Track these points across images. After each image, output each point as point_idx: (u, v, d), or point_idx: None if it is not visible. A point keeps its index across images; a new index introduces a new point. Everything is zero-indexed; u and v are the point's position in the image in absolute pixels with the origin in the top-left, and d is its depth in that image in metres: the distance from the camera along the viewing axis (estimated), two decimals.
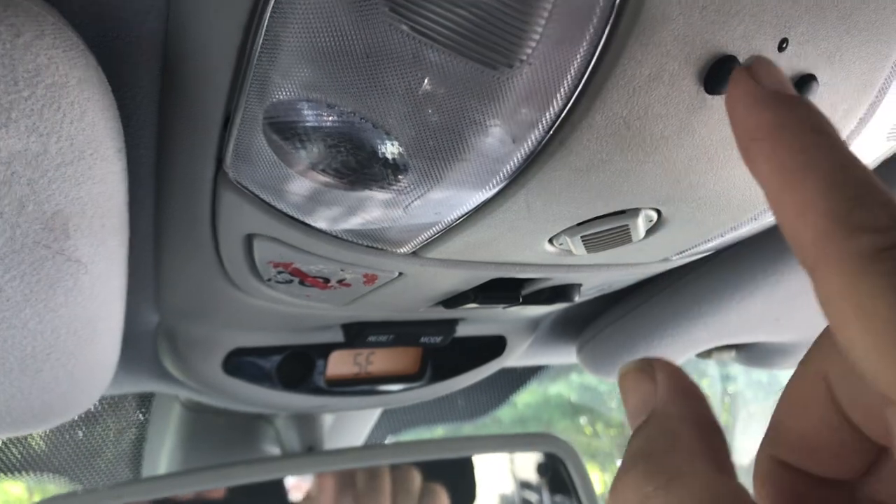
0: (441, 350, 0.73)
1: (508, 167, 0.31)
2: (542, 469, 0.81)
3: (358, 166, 0.31)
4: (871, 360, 0.18)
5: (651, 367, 0.25)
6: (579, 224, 0.38)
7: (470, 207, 0.35)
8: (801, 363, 0.24)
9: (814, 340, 0.23)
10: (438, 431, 1.43)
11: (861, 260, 0.18)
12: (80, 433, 0.95)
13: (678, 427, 0.22)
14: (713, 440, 0.22)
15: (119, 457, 0.99)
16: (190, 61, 0.31)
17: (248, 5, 0.26)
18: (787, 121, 0.22)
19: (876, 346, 0.17)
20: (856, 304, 0.18)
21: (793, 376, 0.24)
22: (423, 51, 0.26)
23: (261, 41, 0.27)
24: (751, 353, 0.86)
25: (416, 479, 0.77)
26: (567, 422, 3.24)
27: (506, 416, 1.40)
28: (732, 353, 0.86)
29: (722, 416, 3.15)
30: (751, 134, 0.23)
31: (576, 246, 0.40)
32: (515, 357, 0.80)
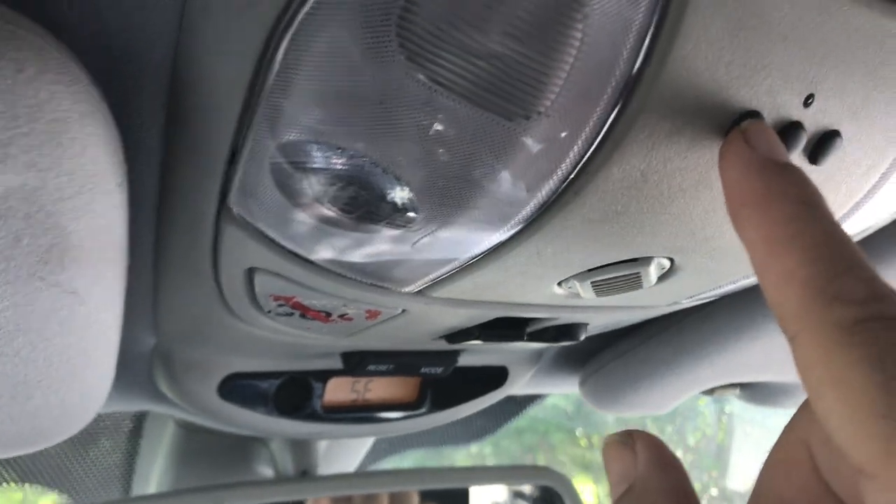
0: (441, 379, 0.72)
1: (521, 215, 0.30)
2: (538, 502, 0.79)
3: (366, 207, 0.31)
4: (845, 431, 0.18)
5: (632, 439, 0.26)
6: (590, 270, 0.37)
7: (479, 252, 0.34)
8: (785, 429, 0.24)
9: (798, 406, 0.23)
10: (429, 455, 1.42)
11: (839, 330, 0.19)
12: (72, 447, 0.94)
13: (657, 499, 0.23)
14: None
15: (110, 472, 0.97)
16: (197, 94, 0.30)
17: (262, 41, 0.25)
18: (777, 190, 0.23)
19: (850, 417, 0.18)
20: (832, 375, 0.18)
21: (776, 441, 0.24)
22: (439, 100, 0.25)
23: (272, 79, 0.26)
24: (754, 392, 0.85)
25: (414, 498, 0.76)
26: (563, 433, 3.22)
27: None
28: (737, 391, 0.85)
29: (718, 436, 3.14)
30: (741, 200, 0.24)
31: (585, 290, 0.39)
32: (517, 388, 0.79)
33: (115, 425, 0.95)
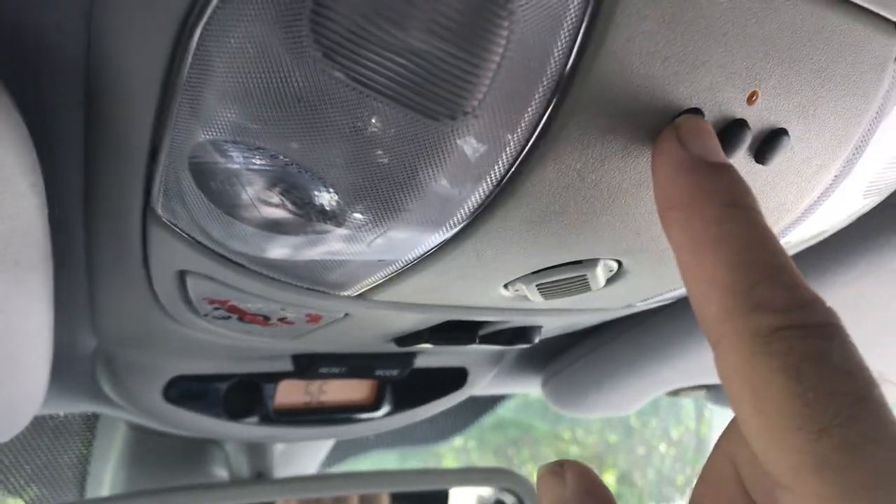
0: (399, 381, 0.71)
1: (456, 217, 0.29)
2: None
3: (292, 211, 0.29)
4: (763, 443, 0.18)
5: (562, 469, 0.26)
6: (534, 272, 0.36)
7: (416, 255, 0.32)
8: (715, 445, 0.24)
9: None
10: (394, 457, 1.41)
11: (757, 339, 0.18)
12: (19, 450, 0.91)
13: None
14: None
15: (62, 475, 0.95)
16: (113, 91, 0.28)
17: (173, 35, 0.24)
18: (705, 191, 0.22)
19: (767, 429, 0.18)
20: (750, 385, 0.18)
21: (708, 458, 0.24)
22: (360, 99, 0.23)
23: (185, 74, 0.25)
24: (720, 393, 0.85)
25: (384, 500, 0.75)
26: (547, 426, 3.23)
27: (486, 420, 1.38)
28: (703, 393, 0.85)
29: (701, 430, 3.16)
30: (669, 202, 0.23)
31: (532, 293, 0.38)
32: (478, 388, 0.78)
33: (66, 426, 0.92)
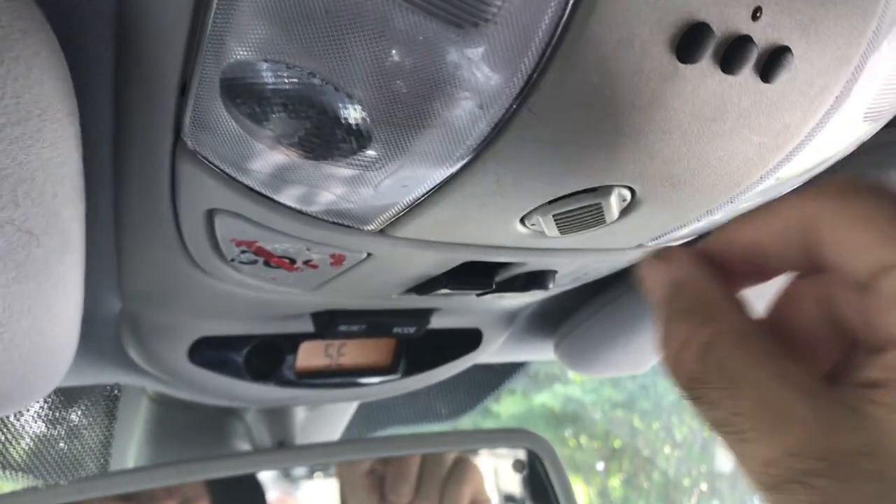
0: (415, 342, 0.72)
1: (476, 135, 0.30)
2: (517, 466, 0.79)
3: (320, 133, 0.30)
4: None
5: (667, 252, 0.29)
6: (551, 202, 0.37)
7: (438, 181, 0.34)
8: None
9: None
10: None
11: None
12: (44, 427, 0.93)
13: (703, 289, 0.27)
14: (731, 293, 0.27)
15: (85, 452, 0.96)
16: (143, 24, 0.29)
17: None
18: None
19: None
20: None
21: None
22: (386, 8, 0.25)
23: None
24: None
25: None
26: (551, 433, 3.24)
27: (489, 426, 1.39)
28: None
29: (705, 430, 3.12)
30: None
31: (548, 226, 0.39)
32: (491, 351, 0.79)
33: (90, 404, 0.94)
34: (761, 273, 0.29)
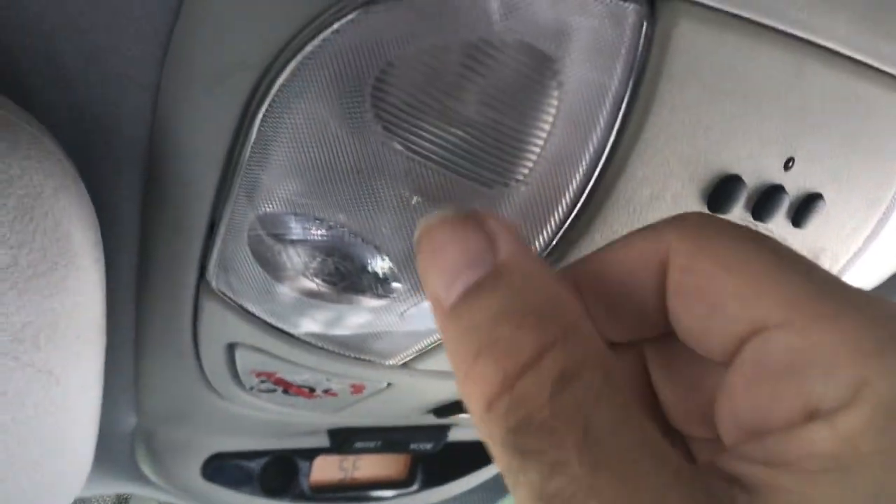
0: (432, 455, 0.70)
1: None
2: None
3: (347, 279, 0.30)
4: None
5: (477, 219, 0.19)
6: None
7: None
8: None
9: None
10: None
11: None
12: None
13: (549, 282, 0.18)
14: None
15: None
16: (174, 168, 0.30)
17: (237, 114, 0.25)
18: None
19: None
20: None
21: None
22: (416, 168, 0.25)
23: (249, 151, 0.26)
24: None
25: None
26: None
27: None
28: None
29: None
30: None
31: None
32: None
33: None
34: (612, 317, 0.21)
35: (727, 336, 0.17)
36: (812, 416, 0.15)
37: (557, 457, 0.15)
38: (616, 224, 0.27)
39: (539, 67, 0.23)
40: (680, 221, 0.19)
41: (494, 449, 0.17)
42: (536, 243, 0.28)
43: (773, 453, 0.16)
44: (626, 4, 0.23)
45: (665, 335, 0.20)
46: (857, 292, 0.16)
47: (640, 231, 0.20)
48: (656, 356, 0.21)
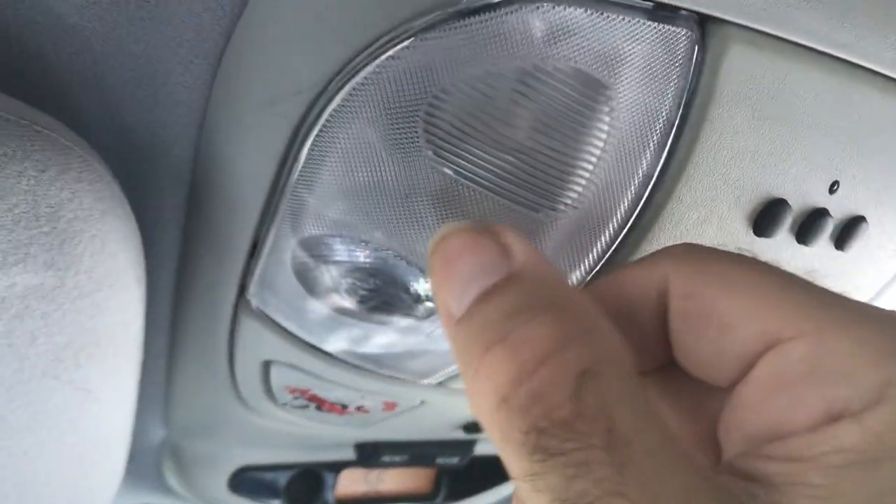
0: (457, 469, 0.70)
1: None
2: None
3: (388, 300, 0.30)
4: None
5: (493, 231, 0.18)
6: None
7: None
8: None
9: None
10: None
11: None
12: None
13: (565, 286, 0.18)
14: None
15: None
16: (219, 190, 0.30)
17: (287, 138, 0.25)
18: None
19: None
20: None
21: None
22: (465, 193, 0.24)
23: (295, 176, 0.26)
24: None
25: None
26: None
27: None
28: None
29: None
30: None
31: None
32: None
33: None
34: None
35: (738, 355, 0.17)
36: (836, 417, 0.16)
37: (581, 458, 0.15)
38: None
39: (591, 93, 0.23)
40: (671, 250, 0.19)
41: (508, 451, 0.16)
42: (582, 267, 0.28)
43: (796, 452, 0.16)
44: (678, 30, 0.23)
45: (663, 366, 0.20)
46: (856, 303, 0.17)
47: (635, 263, 0.20)
48: (659, 384, 0.21)
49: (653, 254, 0.19)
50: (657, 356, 0.20)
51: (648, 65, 0.23)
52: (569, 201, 0.25)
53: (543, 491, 0.15)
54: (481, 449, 0.66)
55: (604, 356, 0.16)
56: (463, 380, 0.17)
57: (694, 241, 0.27)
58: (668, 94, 0.24)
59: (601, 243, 0.27)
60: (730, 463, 0.17)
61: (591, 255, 0.27)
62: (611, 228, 0.26)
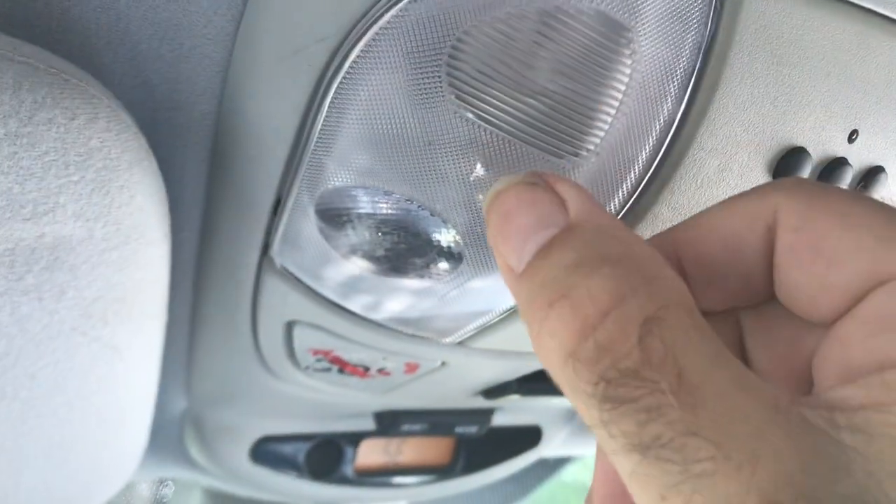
0: (474, 440, 0.70)
1: None
2: None
3: (409, 255, 0.30)
4: None
5: (548, 182, 0.19)
6: None
7: None
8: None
9: None
10: None
11: None
12: None
13: (624, 234, 0.18)
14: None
15: None
16: (243, 144, 0.30)
17: (310, 88, 0.25)
18: None
19: None
20: None
21: None
22: (488, 139, 0.25)
23: (319, 127, 0.26)
24: None
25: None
26: None
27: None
28: None
29: None
30: None
31: None
32: (552, 447, 0.77)
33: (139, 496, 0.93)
34: (712, 283, 0.20)
35: (845, 290, 0.17)
36: None
37: (652, 402, 0.15)
38: (684, 195, 0.27)
39: (613, 36, 0.23)
40: (783, 184, 0.19)
41: (579, 404, 0.16)
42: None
43: (892, 381, 0.15)
44: None
45: (763, 301, 0.20)
46: None
47: (741, 195, 0.19)
48: (754, 321, 0.21)
49: (761, 186, 0.19)
50: (758, 292, 0.20)
51: (670, 9, 0.23)
52: (591, 147, 0.25)
53: (618, 436, 0.15)
54: (497, 419, 0.67)
55: (667, 303, 0.16)
56: (529, 335, 0.17)
57: (714, 190, 0.27)
58: (688, 38, 0.24)
59: (623, 191, 0.27)
60: (818, 395, 0.16)
61: (612, 204, 0.27)
62: (632, 176, 0.26)
